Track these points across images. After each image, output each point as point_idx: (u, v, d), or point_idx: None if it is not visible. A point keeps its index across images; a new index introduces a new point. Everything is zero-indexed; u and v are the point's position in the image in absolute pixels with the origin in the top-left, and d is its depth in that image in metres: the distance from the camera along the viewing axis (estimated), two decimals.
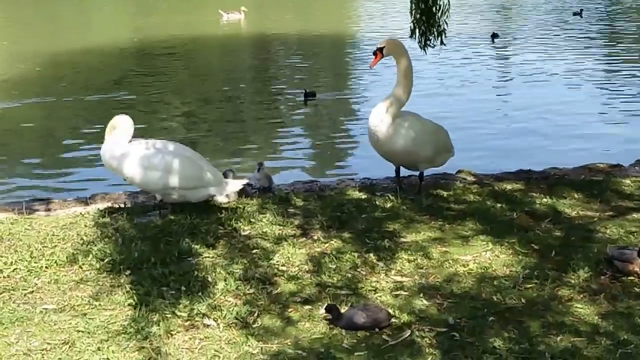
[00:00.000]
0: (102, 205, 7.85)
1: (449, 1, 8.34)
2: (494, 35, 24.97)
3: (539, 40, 25.79)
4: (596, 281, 5.71)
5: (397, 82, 7.87)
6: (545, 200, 7.66)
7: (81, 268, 6.09)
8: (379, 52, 7.82)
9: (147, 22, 33.67)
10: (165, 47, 25.64)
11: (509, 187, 8.30)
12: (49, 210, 7.79)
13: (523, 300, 5.44)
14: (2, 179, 11.62)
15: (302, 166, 12.02)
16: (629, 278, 5.70)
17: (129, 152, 7.20)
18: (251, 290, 5.65)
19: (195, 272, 5.95)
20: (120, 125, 7.31)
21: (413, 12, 8.40)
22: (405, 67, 7.85)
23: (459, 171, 9.36)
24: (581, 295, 5.50)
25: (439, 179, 9.01)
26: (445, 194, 8.07)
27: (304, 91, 16.78)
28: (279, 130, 14.82)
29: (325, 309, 5.18)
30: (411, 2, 8.36)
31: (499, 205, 7.55)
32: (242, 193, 8.03)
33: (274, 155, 12.75)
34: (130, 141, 7.30)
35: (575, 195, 7.80)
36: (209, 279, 5.83)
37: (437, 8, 8.34)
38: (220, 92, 18.49)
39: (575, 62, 20.93)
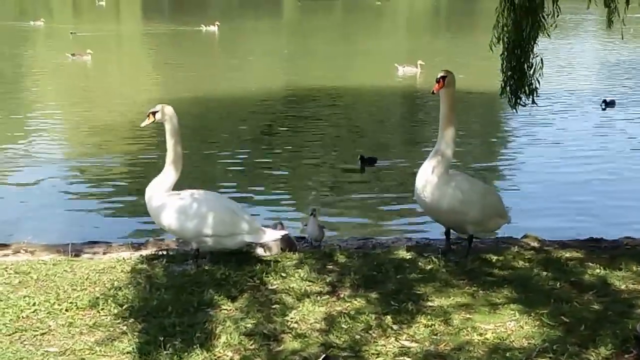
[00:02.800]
0: (151, 250, 7.98)
1: (541, 59, 8.16)
2: (610, 103, 22.12)
3: None
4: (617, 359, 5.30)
5: (440, 135, 7.65)
6: (597, 271, 7.23)
7: (99, 313, 6.17)
8: (441, 80, 7.59)
9: (312, 71, 32.21)
10: (323, 97, 24.77)
11: (567, 255, 7.90)
12: (95, 253, 7.98)
13: None
14: (85, 218, 11.86)
15: (364, 223, 11.72)
16: None
17: (167, 203, 7.35)
18: (253, 346, 5.56)
19: (206, 324, 5.91)
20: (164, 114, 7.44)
21: (504, 69, 8.27)
22: (454, 99, 7.69)
23: (525, 236, 9.00)
24: None
25: (500, 242, 8.71)
26: (494, 258, 7.75)
27: (360, 157, 15.31)
28: (352, 185, 14.39)
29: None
30: (502, 59, 8.24)
31: (544, 273, 7.17)
32: (288, 246, 8.00)
33: (342, 210, 12.42)
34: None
35: (634, 268, 7.32)
36: (216, 332, 5.77)
37: (529, 66, 8.19)
38: (342, 145, 17.83)
39: None
